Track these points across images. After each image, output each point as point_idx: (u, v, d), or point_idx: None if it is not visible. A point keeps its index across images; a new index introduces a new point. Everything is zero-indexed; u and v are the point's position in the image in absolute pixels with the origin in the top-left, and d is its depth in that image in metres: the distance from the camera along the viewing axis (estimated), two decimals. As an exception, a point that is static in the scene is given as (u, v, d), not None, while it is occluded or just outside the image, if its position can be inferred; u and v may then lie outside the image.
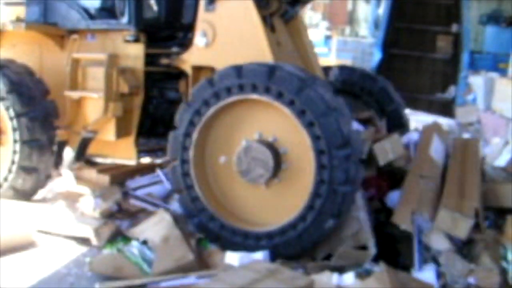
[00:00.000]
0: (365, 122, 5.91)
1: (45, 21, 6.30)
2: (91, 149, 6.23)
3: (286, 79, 4.63)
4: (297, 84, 4.59)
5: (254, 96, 4.75)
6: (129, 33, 5.99)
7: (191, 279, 4.42)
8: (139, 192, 6.05)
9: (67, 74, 6.06)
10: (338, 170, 4.50)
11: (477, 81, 11.16)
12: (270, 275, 3.95)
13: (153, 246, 4.83)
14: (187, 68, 5.79)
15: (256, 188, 4.92)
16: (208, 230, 5.02)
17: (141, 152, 6.31)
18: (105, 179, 6.47)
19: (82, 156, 6.19)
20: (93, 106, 5.95)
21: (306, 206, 4.63)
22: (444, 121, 7.19)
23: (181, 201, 5.17)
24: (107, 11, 6.01)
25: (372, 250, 4.67)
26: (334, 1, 28.89)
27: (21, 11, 6.53)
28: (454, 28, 9.98)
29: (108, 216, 5.57)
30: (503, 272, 4.50)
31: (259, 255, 4.69)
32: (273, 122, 4.83)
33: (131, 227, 5.42)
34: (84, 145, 6.08)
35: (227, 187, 5.10)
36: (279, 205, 4.88)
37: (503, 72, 10.96)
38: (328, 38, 23.59)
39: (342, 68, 6.89)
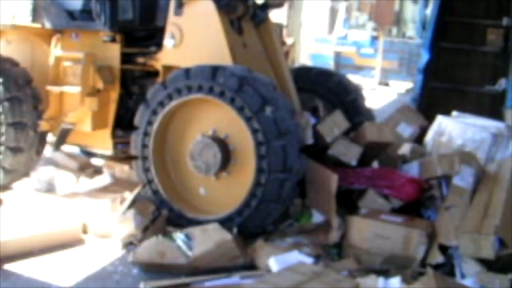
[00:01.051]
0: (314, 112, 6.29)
1: (33, 21, 6.86)
2: (73, 139, 6.70)
3: (227, 79, 5.08)
4: (236, 83, 5.04)
5: (200, 96, 5.23)
6: (106, 34, 6.41)
7: (235, 279, 4.44)
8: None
9: (50, 70, 6.57)
10: (275, 159, 4.92)
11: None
12: (315, 277, 3.93)
13: (193, 236, 4.86)
14: (158, 67, 6.19)
15: (208, 181, 5.40)
16: (168, 220, 5.45)
17: (118, 144, 6.62)
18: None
19: (61, 145, 6.74)
20: (72, 100, 6.42)
21: (249, 194, 5.05)
22: (493, 124, 7.01)
23: (144, 194, 5.65)
24: (87, 13, 6.39)
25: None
26: (380, 1, 28.66)
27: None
28: (505, 21, 9.77)
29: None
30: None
31: (303, 258, 4.67)
32: (222, 118, 5.28)
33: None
34: (63, 135, 6.56)
35: (184, 180, 5.60)
36: (228, 195, 5.31)
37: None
38: (374, 39, 23.40)
39: (301, 68, 7.56)
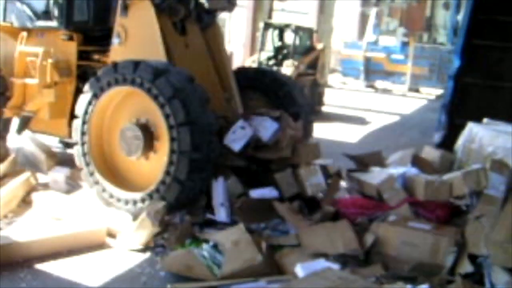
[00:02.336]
0: (277, 119, 6.66)
1: (4, 19, 7.58)
2: (35, 126, 7.37)
3: (145, 71, 5.75)
4: (152, 74, 5.69)
5: (125, 87, 5.93)
6: (63, 33, 7.06)
7: (261, 284, 4.43)
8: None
9: (16, 64, 7.25)
10: (184, 141, 5.54)
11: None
12: (341, 283, 3.90)
13: (223, 250, 4.87)
14: (109, 63, 6.57)
15: (140, 161, 6.03)
16: (102, 199, 6.07)
17: None
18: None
19: (23, 130, 7.43)
20: (33, 91, 7.10)
21: (164, 172, 5.67)
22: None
23: (83, 176, 6.28)
24: (48, 14, 7.10)
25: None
26: (411, 7, 28.48)
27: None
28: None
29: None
30: None
31: (330, 264, 4.64)
32: (145, 106, 5.88)
33: (202, 230, 5.48)
34: (24, 122, 7.34)
35: (119, 163, 6.25)
36: (157, 171, 5.81)
37: None
38: (405, 44, 23.26)
39: (240, 68, 8.09)
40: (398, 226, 5.06)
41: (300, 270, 4.46)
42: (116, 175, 6.26)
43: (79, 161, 6.30)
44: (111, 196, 6.01)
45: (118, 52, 6.62)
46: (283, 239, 5.26)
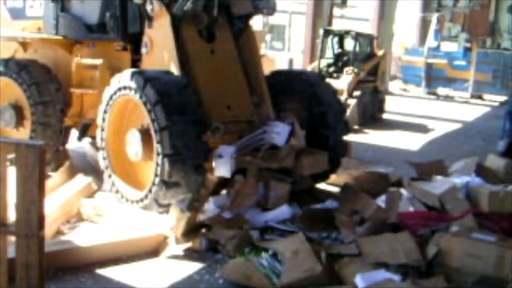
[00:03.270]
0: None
1: (57, 33, 7.81)
2: (94, 132, 7.28)
3: (137, 79, 6.02)
4: (141, 82, 5.97)
5: (125, 95, 6.22)
6: (118, 44, 7.33)
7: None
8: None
9: (73, 75, 7.59)
10: (167, 144, 5.75)
11: None
12: (403, 295, 3.83)
13: (282, 259, 4.85)
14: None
15: (147, 163, 6.24)
16: (118, 201, 6.35)
17: None
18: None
19: (83, 137, 7.60)
20: (91, 100, 7.35)
21: (154, 173, 5.91)
22: None
23: (104, 179, 6.63)
24: (103, 26, 7.28)
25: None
26: (474, 12, 27.95)
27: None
28: None
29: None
30: None
31: (390, 275, 4.56)
32: (143, 112, 6.05)
33: (261, 237, 5.47)
34: (84, 129, 7.50)
35: (134, 166, 6.51)
36: (148, 173, 6.13)
37: None
38: (467, 50, 22.83)
39: (279, 72, 8.15)
40: (461, 237, 4.93)
41: (360, 280, 4.40)
42: (130, 178, 6.54)
43: (100, 164, 6.66)
44: (122, 196, 6.32)
45: (146, 61, 6.98)
46: (343, 248, 5.19)
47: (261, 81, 7.29)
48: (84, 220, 6.04)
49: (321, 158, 6.71)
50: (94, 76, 7.33)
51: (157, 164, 5.86)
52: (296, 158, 6.49)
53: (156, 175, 5.88)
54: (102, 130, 6.59)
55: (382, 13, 22.79)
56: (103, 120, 6.57)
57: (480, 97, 22.45)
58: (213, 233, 5.51)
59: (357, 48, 15.45)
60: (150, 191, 5.96)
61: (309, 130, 7.09)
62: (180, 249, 5.40)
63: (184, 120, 5.91)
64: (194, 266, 5.11)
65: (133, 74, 6.15)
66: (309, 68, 16.10)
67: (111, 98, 6.44)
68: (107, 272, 4.90)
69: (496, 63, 21.89)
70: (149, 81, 5.99)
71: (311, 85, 7.40)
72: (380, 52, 16.36)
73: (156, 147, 5.86)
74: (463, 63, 22.61)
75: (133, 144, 6.24)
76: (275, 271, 4.73)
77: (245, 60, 7.33)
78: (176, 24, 6.76)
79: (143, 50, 6.95)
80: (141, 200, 6.06)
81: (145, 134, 6.13)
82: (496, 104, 20.93)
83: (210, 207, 5.81)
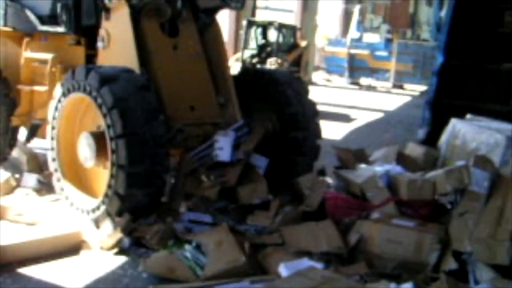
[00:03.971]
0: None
1: (5, 24, 7.38)
2: (44, 134, 6.83)
3: (93, 78, 5.50)
4: (98, 82, 5.44)
5: (79, 94, 5.72)
6: (71, 37, 6.81)
7: (245, 284, 4.39)
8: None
9: (21, 71, 7.08)
10: (122, 154, 5.24)
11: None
12: (325, 282, 3.88)
13: (206, 251, 4.83)
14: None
15: (100, 170, 5.77)
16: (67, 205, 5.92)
17: None
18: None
19: (32, 138, 7.20)
20: (41, 98, 6.86)
21: (107, 185, 5.41)
22: (508, 127, 6.92)
23: (53, 181, 6.13)
24: (54, 18, 6.78)
25: None
26: (395, 3, 28.57)
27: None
28: (522, 4, 10.06)
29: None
30: None
31: (313, 263, 4.62)
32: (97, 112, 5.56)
33: (185, 230, 5.43)
34: (33, 130, 7.07)
35: (86, 171, 6.01)
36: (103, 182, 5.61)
37: None
38: (389, 41, 23.35)
39: (247, 71, 7.79)
40: (381, 223, 5.04)
41: (283, 269, 4.43)
42: (82, 183, 6.09)
43: (49, 166, 6.20)
44: (72, 204, 5.86)
45: (102, 56, 6.42)
46: (267, 238, 5.22)
47: (228, 80, 6.85)
48: (2, 219, 5.83)
49: (260, 187, 6.19)
50: (44, 72, 6.79)
51: (112, 175, 5.35)
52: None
53: (109, 186, 5.40)
54: (53, 128, 6.08)
55: (305, 4, 23.04)
56: (54, 118, 6.05)
57: (401, 87, 23.01)
58: (138, 232, 5.38)
59: (281, 39, 15.61)
60: (103, 202, 5.48)
61: (280, 133, 6.77)
62: (96, 245, 5.29)
63: (148, 127, 5.40)
64: (117, 261, 5.01)
65: (88, 71, 5.60)
66: (232, 59, 16.10)
67: (63, 95, 5.91)
68: (27, 271, 4.73)
69: (416, 54, 22.49)
70: (106, 81, 5.43)
71: (280, 85, 6.89)
72: (303, 43, 16.56)
73: (111, 156, 5.36)
74: (384, 53, 23.12)
75: (84, 148, 5.71)
76: (199, 263, 4.70)
77: (211, 57, 6.85)
78: (136, 17, 6.28)
79: (99, 44, 6.41)
80: (93, 210, 5.56)
81: (99, 139, 5.58)
82: (416, 93, 21.51)
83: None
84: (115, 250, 5.20)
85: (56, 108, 6.02)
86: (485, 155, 5.97)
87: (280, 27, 15.54)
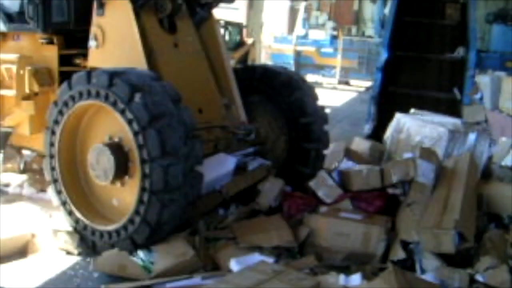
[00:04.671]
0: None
1: None
2: (16, 141, 6.60)
3: (120, 87, 4.76)
4: (128, 93, 4.71)
5: (98, 102, 4.96)
6: (41, 36, 6.17)
7: (196, 280, 4.41)
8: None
9: None
10: (153, 145, 4.60)
11: (483, 80, 11.12)
12: (275, 276, 3.94)
13: (155, 247, 4.80)
14: (89, 68, 5.71)
15: (115, 188, 5.07)
16: (68, 222, 5.32)
17: None
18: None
19: (2, 149, 6.72)
20: (10, 103, 6.28)
21: (134, 211, 4.76)
22: (450, 121, 7.15)
23: (50, 193, 5.46)
24: (23, 15, 6.15)
25: None
26: (340, 1, 28.86)
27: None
28: (461, -4, 10.56)
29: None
30: (511, 270, 4.47)
31: (264, 258, 4.66)
32: (116, 122, 4.89)
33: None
34: (2, 139, 6.51)
35: (93, 185, 5.28)
36: (128, 203, 4.95)
37: (510, 71, 10.94)
38: (334, 38, 23.57)
39: (265, 69, 6.77)
40: (329, 217, 5.15)
41: (234, 264, 4.48)
42: (88, 198, 5.36)
43: (47, 175, 5.47)
44: (78, 221, 5.21)
45: (95, 56, 5.80)
46: (218, 232, 5.24)
47: (230, 79, 6.30)
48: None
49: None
50: (11, 75, 6.16)
51: (142, 201, 4.70)
52: None
53: (137, 213, 4.75)
54: (53, 134, 5.32)
55: (251, 2, 23.08)
56: (56, 122, 5.27)
57: (347, 83, 23.29)
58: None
59: (227, 37, 15.61)
60: (125, 228, 4.85)
61: (290, 142, 6.33)
62: (50, 247, 5.25)
63: (186, 148, 4.74)
64: (67, 262, 4.97)
65: (111, 78, 4.81)
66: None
67: (72, 99, 5.09)
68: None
69: (361, 50, 22.75)
70: (138, 92, 4.68)
71: (295, 89, 6.34)
72: (249, 41, 16.61)
73: (141, 180, 4.66)
74: (330, 50, 23.30)
75: (99, 163, 4.96)
76: (149, 259, 4.70)
77: (209, 54, 6.30)
78: (136, 12, 5.63)
79: (91, 43, 5.75)
80: (110, 235, 4.94)
81: (119, 153, 4.92)
82: (362, 89, 21.77)
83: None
84: (64, 251, 5.16)
85: (60, 112, 5.25)
86: (431, 147, 6.15)
87: (226, 25, 15.59)
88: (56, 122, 5.29)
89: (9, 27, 6.42)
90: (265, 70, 6.68)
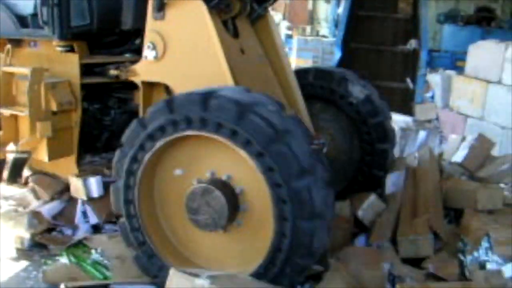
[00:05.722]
0: None
1: None
2: (36, 165, 5.84)
3: (222, 107, 3.90)
4: (236, 111, 3.87)
5: (190, 132, 4.06)
6: (58, 44, 5.36)
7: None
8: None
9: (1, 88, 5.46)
10: (301, 203, 3.80)
11: (435, 78, 11.35)
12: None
13: (108, 261, 4.70)
14: (138, 82, 5.19)
15: (214, 234, 4.28)
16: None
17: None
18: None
19: (17, 177, 5.77)
20: (25, 124, 5.31)
21: (273, 249, 3.95)
22: (401, 119, 7.27)
23: (137, 260, 4.51)
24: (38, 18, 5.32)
25: None
26: (294, 0, 29.03)
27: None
28: (413, -9, 11.04)
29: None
30: (461, 264, 4.58)
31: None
32: (224, 157, 4.13)
33: (90, 234, 5.36)
34: (16, 166, 5.58)
35: (183, 235, 4.49)
36: (243, 251, 4.26)
37: (461, 70, 11.18)
38: (288, 37, 23.68)
39: (318, 71, 6.01)
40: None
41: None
42: (180, 253, 4.52)
43: (128, 241, 4.49)
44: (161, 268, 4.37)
45: (152, 68, 4.93)
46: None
47: (294, 85, 5.48)
48: None
49: None
50: (25, 90, 5.17)
51: (283, 234, 3.87)
52: None
53: (277, 250, 3.92)
54: (128, 188, 4.32)
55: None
56: (130, 173, 4.29)
57: (302, 82, 23.48)
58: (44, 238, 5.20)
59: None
60: (262, 273, 4.01)
61: (363, 146, 5.77)
62: (2, 247, 5.17)
63: (319, 162, 3.96)
64: (19, 264, 4.92)
65: (206, 99, 3.93)
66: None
67: (151, 138, 4.15)
68: None
69: (316, 50, 22.89)
70: (248, 107, 3.87)
71: (378, 113, 5.70)
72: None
73: (276, 209, 3.84)
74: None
75: (203, 206, 4.06)
76: (100, 270, 4.64)
77: (269, 58, 5.50)
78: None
79: (147, 53, 4.88)
80: None
81: (231, 195, 4.09)
82: (317, 88, 21.99)
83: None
84: (15, 254, 5.09)
85: (134, 159, 4.26)
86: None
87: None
88: (131, 172, 4.30)
89: (22, 32, 5.53)
90: (317, 72, 5.96)
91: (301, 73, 5.87)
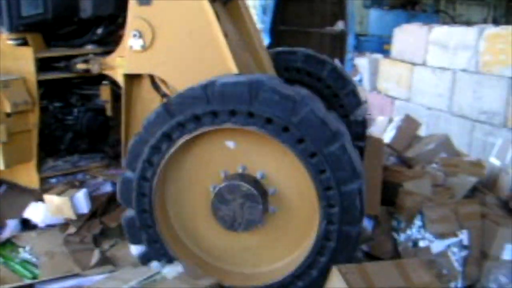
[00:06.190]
0: None
1: None
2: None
3: (273, 100, 3.56)
4: (288, 106, 3.55)
5: (230, 125, 3.66)
6: (8, 37, 4.77)
7: (84, 279, 4.25)
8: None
9: None
10: (350, 208, 3.63)
11: (362, 62, 11.52)
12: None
13: (37, 258, 4.50)
14: (116, 76, 4.72)
15: (235, 236, 3.97)
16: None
17: (49, 178, 5.20)
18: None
19: None
20: None
21: (313, 253, 3.75)
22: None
23: (143, 258, 4.08)
24: None
25: None
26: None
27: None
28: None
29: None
30: (395, 242, 4.65)
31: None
32: (259, 153, 3.83)
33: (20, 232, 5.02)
34: None
35: (200, 237, 4.14)
36: (270, 254, 4.02)
37: (388, 54, 11.39)
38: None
39: (282, 52, 5.66)
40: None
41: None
42: (198, 255, 4.14)
43: (133, 237, 4.06)
44: None
45: (139, 59, 4.42)
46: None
47: (268, 67, 5.15)
48: None
49: None
50: None
51: (327, 239, 3.68)
52: None
53: (320, 254, 3.73)
54: (144, 180, 3.84)
55: None
56: (149, 163, 3.79)
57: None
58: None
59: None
60: (299, 277, 3.80)
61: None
62: None
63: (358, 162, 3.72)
64: None
65: (253, 90, 3.57)
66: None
67: (183, 127, 3.70)
68: None
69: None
70: (299, 102, 3.56)
71: (347, 81, 5.49)
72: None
73: (324, 212, 3.61)
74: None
75: (231, 203, 3.75)
76: (29, 269, 4.46)
77: (246, 40, 5.07)
78: None
79: (133, 43, 4.36)
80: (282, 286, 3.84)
81: (258, 187, 3.77)
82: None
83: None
84: None
85: (156, 148, 3.79)
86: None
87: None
88: (150, 163, 3.82)
89: None
90: (278, 53, 5.58)
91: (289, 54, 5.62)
